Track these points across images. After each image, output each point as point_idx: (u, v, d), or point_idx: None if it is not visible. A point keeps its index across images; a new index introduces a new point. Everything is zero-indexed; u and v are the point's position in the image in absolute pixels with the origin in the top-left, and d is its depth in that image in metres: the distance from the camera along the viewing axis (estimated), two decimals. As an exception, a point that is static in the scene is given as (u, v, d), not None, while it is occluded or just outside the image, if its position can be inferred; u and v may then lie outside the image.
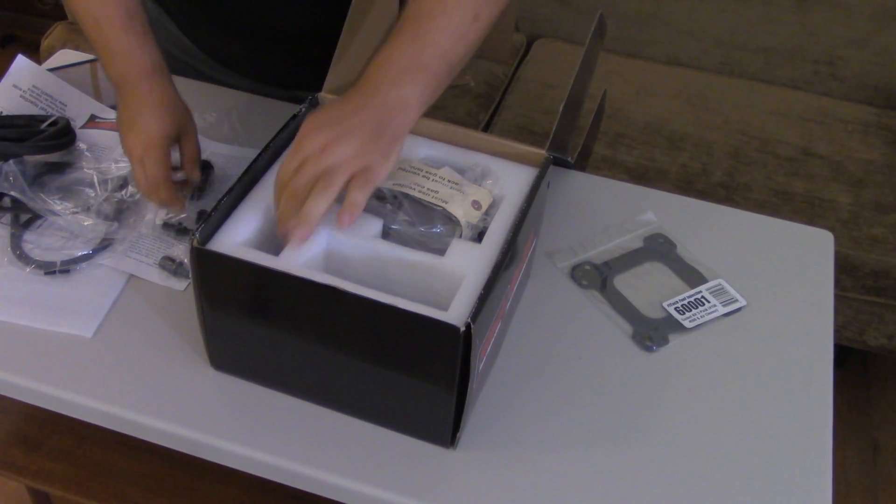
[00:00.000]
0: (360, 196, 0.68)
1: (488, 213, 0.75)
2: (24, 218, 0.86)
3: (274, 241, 0.75)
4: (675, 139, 1.77)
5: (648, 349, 0.80)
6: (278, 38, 1.03)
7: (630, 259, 0.89)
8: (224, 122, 1.00)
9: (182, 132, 0.84)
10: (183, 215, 0.87)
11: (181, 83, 1.07)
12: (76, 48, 1.14)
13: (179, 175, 0.87)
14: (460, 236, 0.72)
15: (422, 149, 0.80)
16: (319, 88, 0.82)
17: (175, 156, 0.84)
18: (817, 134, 1.81)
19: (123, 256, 0.84)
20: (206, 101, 1.03)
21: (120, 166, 0.90)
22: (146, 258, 0.84)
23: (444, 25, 0.72)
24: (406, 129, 0.71)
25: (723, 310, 0.84)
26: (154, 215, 0.87)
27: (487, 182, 0.76)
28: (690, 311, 0.84)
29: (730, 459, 0.72)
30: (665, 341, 0.81)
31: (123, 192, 0.88)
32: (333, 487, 0.69)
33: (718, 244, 0.91)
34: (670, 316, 0.84)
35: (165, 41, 1.07)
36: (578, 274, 0.87)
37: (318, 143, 0.67)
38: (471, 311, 0.63)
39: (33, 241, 0.85)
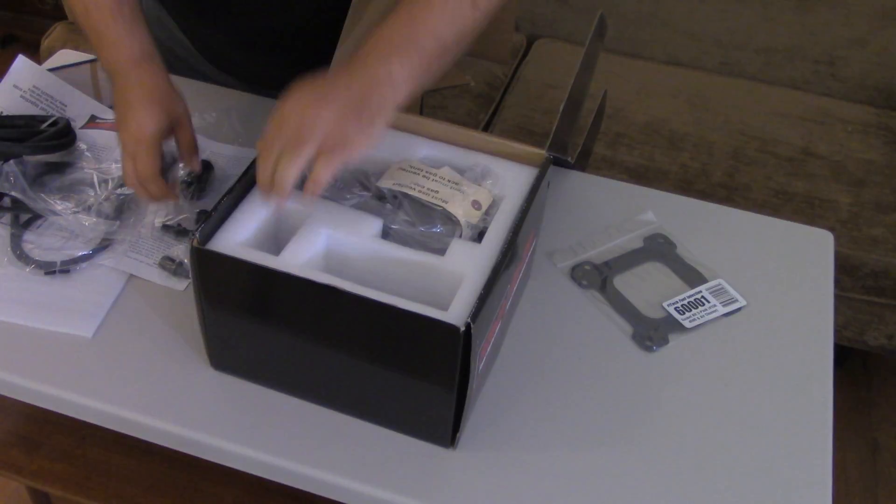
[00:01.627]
0: (324, 172, 0.66)
1: (488, 213, 0.75)
2: (24, 218, 0.86)
3: (274, 241, 0.75)
4: (675, 139, 1.77)
5: (648, 349, 0.80)
6: (272, 42, 1.03)
7: (630, 259, 0.89)
8: (224, 122, 1.00)
9: (175, 122, 0.83)
10: (182, 216, 0.87)
11: (181, 83, 1.07)
12: (76, 48, 1.14)
13: (182, 173, 0.88)
14: (460, 236, 0.72)
15: (422, 149, 0.80)
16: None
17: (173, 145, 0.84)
18: (817, 134, 1.81)
19: (123, 256, 0.84)
20: (206, 101, 1.03)
21: (120, 166, 0.90)
22: (146, 258, 0.84)
23: (439, 9, 0.72)
24: (391, 104, 0.70)
25: (723, 310, 0.84)
26: (154, 217, 0.87)
27: (487, 182, 0.76)
28: (690, 311, 0.84)
29: (730, 459, 0.72)
30: (665, 341, 0.81)
31: (123, 189, 0.88)
32: (333, 487, 0.69)
33: (718, 244, 0.91)
34: (670, 316, 0.84)
35: (167, 40, 1.08)
36: (578, 274, 0.87)
37: (298, 104, 0.67)
38: (471, 311, 0.63)
39: (33, 241, 0.85)
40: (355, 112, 0.67)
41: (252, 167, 0.74)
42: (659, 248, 0.90)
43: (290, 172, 0.66)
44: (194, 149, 0.86)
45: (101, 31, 0.82)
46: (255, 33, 1.02)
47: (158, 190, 0.81)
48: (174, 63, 1.09)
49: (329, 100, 0.67)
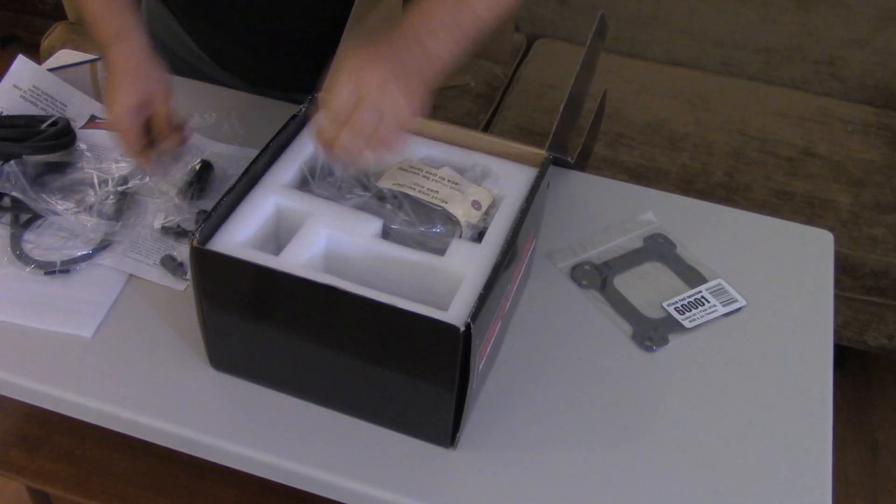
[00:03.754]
0: (389, 139, 0.69)
1: (488, 213, 0.75)
2: (24, 218, 0.86)
3: (274, 240, 0.75)
4: (675, 139, 1.77)
5: (648, 349, 0.80)
6: (275, 43, 1.03)
7: (630, 259, 0.89)
8: (224, 122, 1.00)
9: (153, 97, 0.84)
10: (184, 217, 0.87)
11: (182, 83, 1.08)
12: (76, 48, 1.14)
13: (181, 173, 0.88)
14: (460, 236, 0.72)
15: (422, 149, 0.80)
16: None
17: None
18: (817, 134, 1.81)
19: (123, 256, 0.84)
20: (206, 101, 1.03)
21: (120, 166, 0.90)
22: (146, 258, 0.84)
23: None
24: (435, 79, 0.72)
25: (723, 310, 0.84)
26: (153, 218, 0.87)
27: (487, 182, 0.76)
28: (690, 311, 0.84)
29: (730, 459, 0.72)
30: (665, 341, 0.81)
31: (125, 187, 0.88)
32: (333, 487, 0.69)
33: (718, 244, 0.91)
34: (670, 316, 0.84)
35: (171, 41, 1.08)
36: (578, 274, 0.87)
37: (376, 78, 0.68)
38: (470, 311, 0.63)
39: (33, 241, 0.85)
40: (418, 87, 0.70)
41: (252, 167, 0.74)
42: (659, 248, 0.90)
43: (376, 154, 0.70)
44: (170, 124, 0.87)
45: (86, 11, 0.85)
46: (257, 34, 1.02)
47: (150, 161, 0.85)
48: (177, 64, 1.09)
49: (403, 76, 0.69)
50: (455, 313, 0.64)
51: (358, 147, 0.69)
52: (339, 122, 0.68)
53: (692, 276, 0.88)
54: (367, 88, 0.68)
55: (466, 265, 0.69)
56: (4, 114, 0.94)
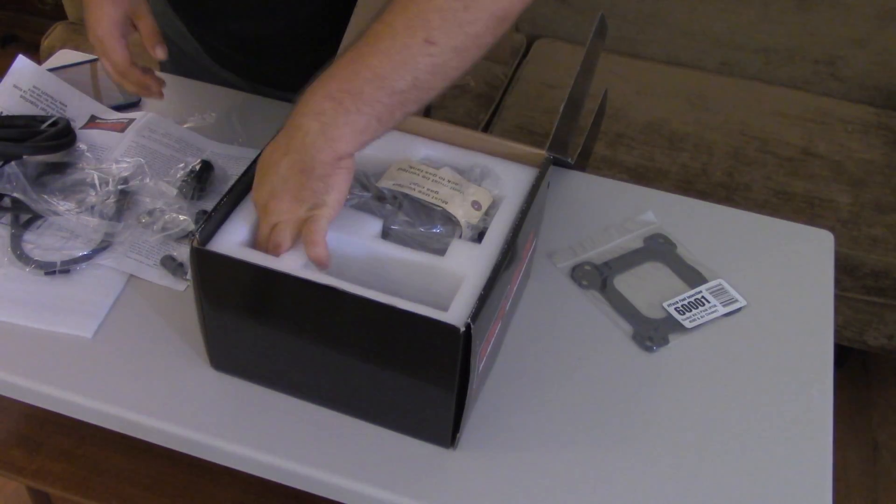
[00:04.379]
0: (314, 251, 0.66)
1: (488, 214, 0.75)
2: (25, 218, 0.86)
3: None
4: (675, 139, 1.77)
5: (648, 349, 0.80)
6: (273, 44, 1.02)
7: (630, 259, 0.89)
8: (224, 122, 1.00)
9: (133, 13, 0.85)
10: (184, 220, 0.86)
11: (182, 83, 1.08)
12: (76, 48, 1.14)
13: (182, 173, 0.88)
14: (460, 236, 0.72)
15: (422, 149, 0.80)
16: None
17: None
18: (817, 134, 1.81)
19: (123, 256, 0.84)
20: (206, 101, 1.03)
21: (120, 166, 0.90)
22: (146, 258, 0.84)
23: (386, 48, 0.64)
24: (341, 154, 0.65)
25: (723, 310, 0.84)
26: (152, 220, 0.87)
27: (487, 182, 0.76)
28: (690, 311, 0.84)
29: (730, 459, 0.72)
30: (665, 341, 0.81)
31: (125, 187, 0.88)
32: (333, 487, 0.69)
33: (718, 244, 0.91)
34: (670, 316, 0.84)
35: (177, 36, 1.08)
36: (578, 274, 0.87)
37: (261, 199, 0.68)
38: (471, 311, 0.63)
39: (33, 241, 0.85)
40: (303, 189, 0.66)
41: (252, 167, 0.74)
42: (659, 248, 0.90)
43: (281, 253, 0.68)
44: (155, 37, 0.88)
45: None
46: (254, 35, 1.02)
47: (138, 77, 0.87)
48: (182, 60, 1.10)
49: (278, 191, 0.66)
50: (455, 314, 0.64)
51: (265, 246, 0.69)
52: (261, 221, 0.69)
53: (692, 277, 0.88)
54: (259, 206, 0.69)
55: (466, 265, 0.69)
56: (4, 114, 0.94)
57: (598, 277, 0.87)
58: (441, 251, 0.71)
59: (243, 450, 0.70)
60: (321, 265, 0.67)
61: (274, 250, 0.68)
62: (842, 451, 1.73)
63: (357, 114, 0.64)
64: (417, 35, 0.63)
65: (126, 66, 0.86)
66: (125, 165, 0.90)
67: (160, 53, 0.88)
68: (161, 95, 0.93)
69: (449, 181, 0.75)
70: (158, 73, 0.95)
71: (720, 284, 0.86)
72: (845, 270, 1.60)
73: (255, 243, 0.70)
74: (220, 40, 1.06)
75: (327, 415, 0.73)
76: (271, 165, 0.67)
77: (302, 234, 0.67)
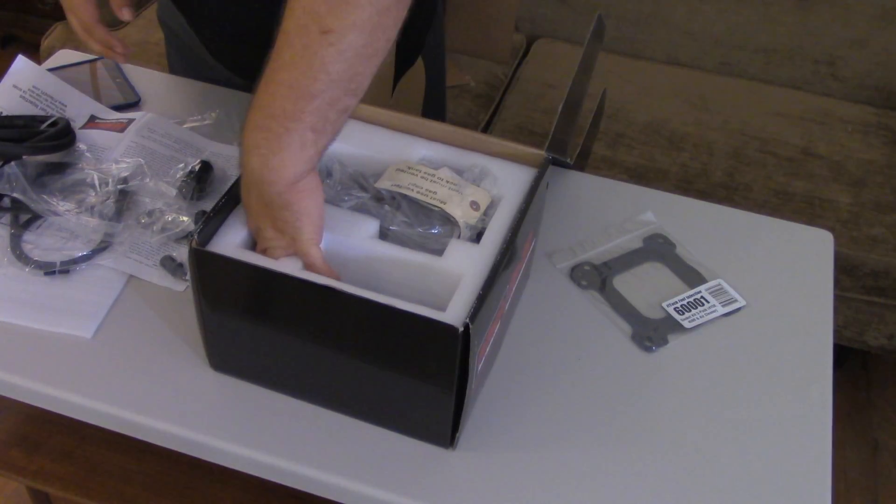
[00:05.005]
0: (321, 276, 0.66)
1: (487, 214, 0.75)
2: (24, 218, 0.86)
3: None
4: (675, 139, 1.77)
5: (648, 349, 0.80)
6: (263, 38, 1.02)
7: (629, 259, 0.89)
8: (224, 122, 1.00)
9: None
10: (183, 221, 0.87)
11: (182, 83, 1.08)
12: (76, 48, 1.14)
13: (181, 174, 0.88)
14: (458, 237, 0.72)
15: (420, 149, 0.80)
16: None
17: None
18: (817, 134, 1.81)
19: (123, 257, 0.84)
20: (206, 101, 1.03)
21: (120, 166, 0.90)
22: (146, 258, 0.84)
23: (289, 58, 0.62)
24: (291, 178, 0.64)
25: (722, 310, 0.84)
26: (152, 220, 0.87)
27: (486, 182, 0.76)
28: (690, 311, 0.84)
29: (729, 459, 0.72)
30: (664, 341, 0.81)
31: (124, 187, 0.88)
32: (333, 487, 0.70)
33: (718, 244, 0.91)
34: (670, 316, 0.84)
35: (179, 29, 1.08)
36: (578, 274, 0.87)
37: (252, 227, 0.70)
38: (469, 311, 0.63)
39: (33, 242, 0.85)
40: (274, 218, 0.67)
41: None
42: (659, 249, 0.90)
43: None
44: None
45: None
46: (247, 28, 1.01)
47: (103, 34, 0.88)
48: (185, 53, 1.10)
49: (258, 220, 0.68)
50: (453, 314, 0.64)
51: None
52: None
53: (692, 277, 0.88)
54: (257, 236, 0.69)
55: (465, 265, 0.69)
56: (4, 114, 0.94)
57: (597, 277, 0.87)
58: (439, 251, 0.71)
59: (243, 450, 0.70)
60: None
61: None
62: (842, 451, 1.73)
63: (288, 134, 0.63)
64: (311, 30, 0.60)
65: (92, 22, 0.87)
66: (125, 165, 0.90)
67: (126, 15, 0.89)
68: (124, 59, 0.93)
69: (447, 181, 0.75)
70: (159, 73, 0.94)
71: (719, 284, 0.87)
72: (845, 270, 1.60)
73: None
74: (215, 33, 1.05)
75: (327, 415, 0.73)
76: (246, 202, 0.69)
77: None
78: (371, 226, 0.72)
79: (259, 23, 0.99)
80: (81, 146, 0.93)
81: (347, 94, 0.63)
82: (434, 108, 1.18)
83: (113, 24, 0.96)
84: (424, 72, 1.12)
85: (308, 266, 0.68)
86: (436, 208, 0.73)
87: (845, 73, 1.90)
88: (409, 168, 0.76)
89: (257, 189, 0.66)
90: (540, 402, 0.75)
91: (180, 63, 1.14)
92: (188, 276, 0.82)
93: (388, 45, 0.64)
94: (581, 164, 1.00)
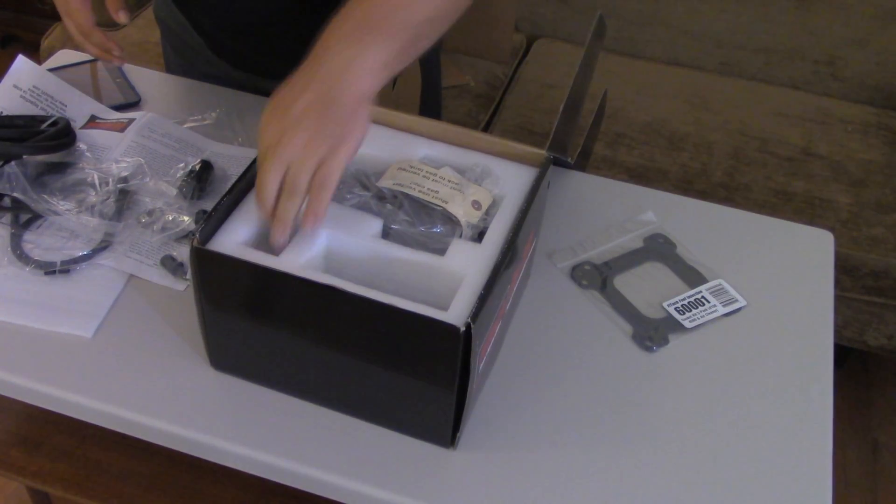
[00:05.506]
0: (317, 204, 0.65)
1: (488, 213, 0.75)
2: (24, 218, 0.86)
3: (274, 241, 0.75)
4: (675, 139, 1.77)
5: (648, 349, 0.80)
6: (262, 29, 1.02)
7: (630, 259, 0.89)
8: (224, 122, 1.00)
9: None
10: (183, 220, 0.86)
11: (182, 83, 1.08)
12: (76, 48, 1.14)
13: (181, 174, 0.88)
14: (460, 236, 0.72)
15: (422, 149, 0.80)
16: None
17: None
18: (817, 134, 1.81)
19: (123, 256, 0.84)
20: (206, 101, 1.03)
21: (120, 166, 0.90)
22: (146, 258, 0.84)
23: None
24: (365, 92, 0.65)
25: (723, 310, 0.84)
26: (152, 219, 0.87)
27: (487, 182, 0.76)
28: (690, 311, 0.84)
29: (730, 459, 0.72)
30: (665, 341, 0.81)
31: (124, 186, 0.88)
32: (333, 487, 0.70)
33: (718, 244, 0.91)
34: (670, 316, 0.84)
35: (177, 27, 1.08)
36: (578, 274, 0.87)
37: (273, 135, 0.65)
38: (471, 311, 0.63)
39: (33, 241, 0.85)
40: (325, 123, 0.64)
41: (252, 167, 0.74)
42: (659, 248, 0.90)
43: (291, 211, 0.66)
44: (119, 2, 0.89)
45: None
46: (248, 21, 1.01)
47: (100, 38, 0.88)
48: (184, 50, 1.09)
49: (298, 123, 0.64)
50: (455, 313, 0.64)
51: (267, 215, 0.67)
52: (255, 191, 0.67)
53: (692, 276, 0.88)
54: (266, 144, 0.65)
55: (466, 265, 0.69)
56: (4, 114, 0.94)
57: (597, 277, 0.87)
58: (441, 251, 0.71)
59: (243, 450, 0.70)
60: (316, 218, 0.66)
61: (287, 199, 0.65)
62: (842, 450, 1.73)
63: (378, 50, 0.65)
64: None
65: (89, 26, 0.87)
66: (125, 165, 0.90)
67: (122, 17, 0.89)
68: (121, 60, 0.93)
69: (449, 181, 0.75)
70: (159, 73, 0.94)
71: (720, 284, 0.86)
72: (845, 270, 1.60)
73: (254, 197, 0.68)
74: (215, 27, 1.05)
75: (328, 414, 0.73)
76: (287, 105, 0.65)
77: (314, 178, 0.65)
78: (373, 225, 0.72)
79: (260, 15, 1.00)
80: (82, 146, 0.93)
81: (430, 38, 0.68)
82: (430, 107, 1.18)
83: (110, 25, 0.96)
84: (420, 72, 1.12)
85: (324, 179, 0.65)
86: (438, 207, 0.73)
87: (845, 73, 1.90)
88: (411, 167, 0.76)
89: (324, 91, 0.64)
90: (541, 402, 0.75)
91: (176, 60, 1.14)
92: (188, 276, 0.82)
93: (467, 4, 0.71)
94: (582, 164, 1.00)
